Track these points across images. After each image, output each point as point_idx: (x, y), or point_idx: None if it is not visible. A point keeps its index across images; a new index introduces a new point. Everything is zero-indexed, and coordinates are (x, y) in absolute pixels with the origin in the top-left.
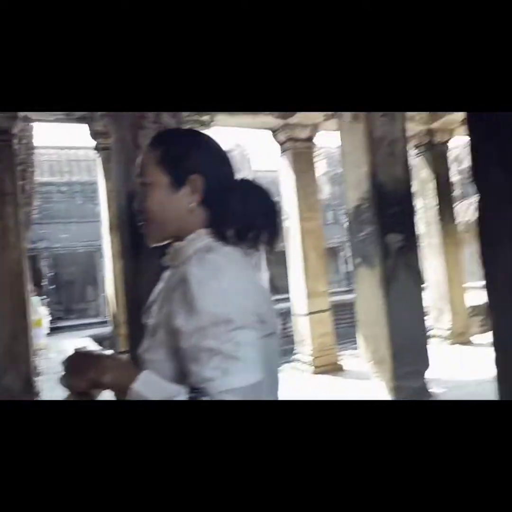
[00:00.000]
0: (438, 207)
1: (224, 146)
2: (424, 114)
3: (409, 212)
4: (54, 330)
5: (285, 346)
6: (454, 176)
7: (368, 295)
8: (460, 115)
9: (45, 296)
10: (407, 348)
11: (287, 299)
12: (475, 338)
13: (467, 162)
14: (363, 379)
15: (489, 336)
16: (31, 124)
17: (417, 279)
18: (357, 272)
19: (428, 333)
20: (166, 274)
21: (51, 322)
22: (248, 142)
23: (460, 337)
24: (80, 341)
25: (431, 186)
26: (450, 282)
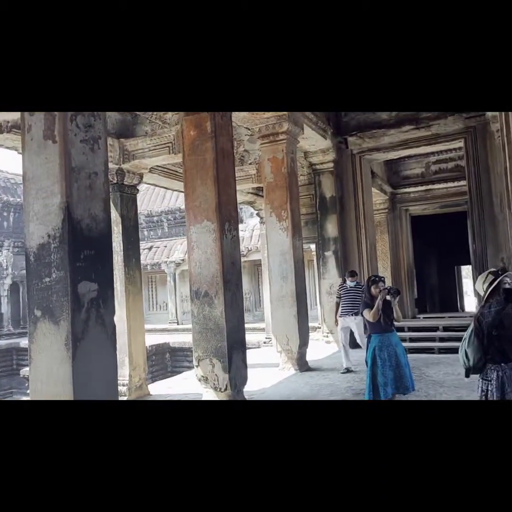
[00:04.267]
0: (123, 252)
1: None
2: (116, 154)
3: (106, 256)
4: None
5: None
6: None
7: (50, 358)
8: (151, 160)
9: None
10: None
11: None
12: (153, 388)
13: (148, 206)
14: None
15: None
16: None
17: (112, 336)
18: (37, 328)
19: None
20: None
21: None
22: None
23: (138, 391)
24: None
25: (118, 229)
26: (130, 332)
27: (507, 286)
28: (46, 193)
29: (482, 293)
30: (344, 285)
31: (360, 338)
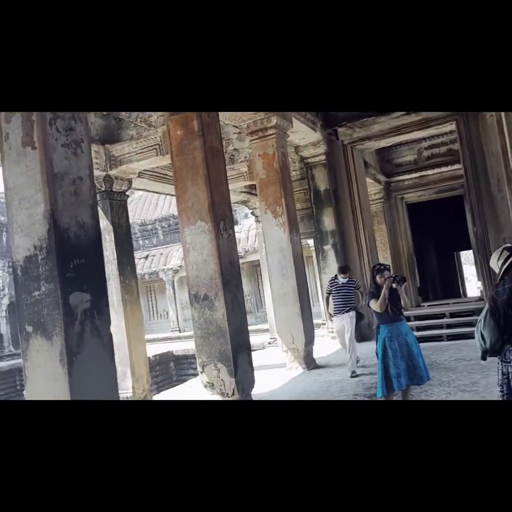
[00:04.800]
0: (117, 260)
1: None
2: (102, 160)
3: (97, 264)
4: None
5: None
6: (132, 227)
7: (46, 375)
8: (139, 165)
9: None
10: None
11: None
12: (158, 398)
13: (141, 214)
14: None
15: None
16: None
17: (109, 347)
18: (29, 344)
19: None
20: None
21: None
22: None
23: None
24: None
25: (109, 237)
26: (130, 343)
27: None
28: (29, 202)
29: (497, 271)
30: (336, 280)
31: (350, 336)
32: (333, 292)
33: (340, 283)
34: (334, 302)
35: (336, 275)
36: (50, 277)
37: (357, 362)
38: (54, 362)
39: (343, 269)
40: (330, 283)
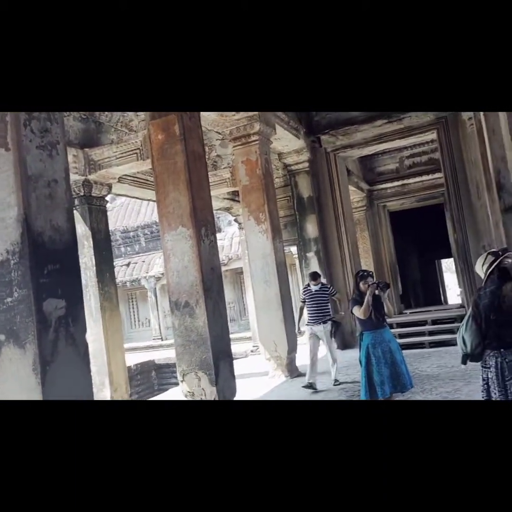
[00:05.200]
0: (95, 267)
1: None
2: (81, 164)
3: (73, 269)
4: None
5: None
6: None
7: (18, 385)
8: (119, 169)
9: None
10: None
11: None
12: None
13: (123, 221)
14: None
15: None
16: None
17: (85, 356)
18: (2, 353)
19: None
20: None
21: None
22: None
23: None
24: None
25: (88, 243)
26: (108, 351)
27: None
28: (2, 205)
29: (482, 276)
30: (308, 288)
31: (331, 347)
32: (307, 300)
33: (313, 290)
34: (308, 311)
35: (309, 283)
36: (23, 283)
37: (311, 386)
38: (27, 371)
39: (313, 275)
40: (304, 291)
